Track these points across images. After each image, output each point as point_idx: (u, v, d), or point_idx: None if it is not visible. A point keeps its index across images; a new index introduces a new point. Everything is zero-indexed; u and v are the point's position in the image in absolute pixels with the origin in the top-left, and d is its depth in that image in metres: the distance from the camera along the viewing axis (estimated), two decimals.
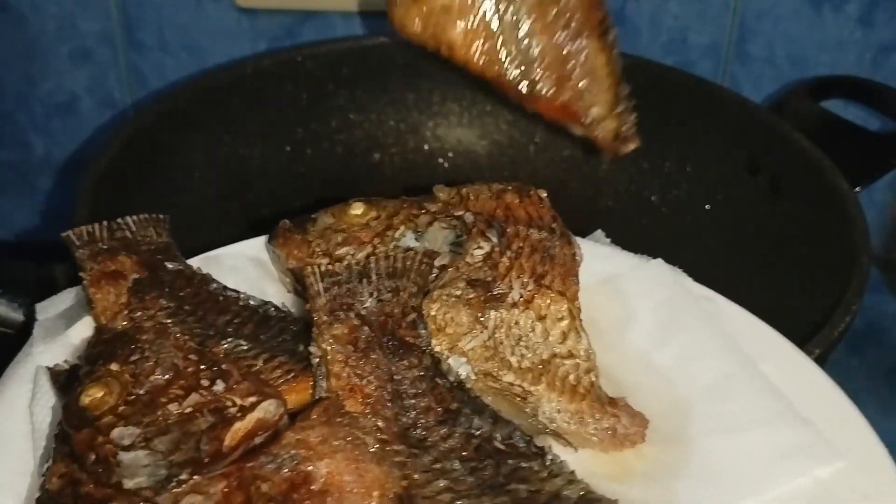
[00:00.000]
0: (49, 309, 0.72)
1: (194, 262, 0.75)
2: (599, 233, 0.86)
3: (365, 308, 0.65)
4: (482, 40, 0.90)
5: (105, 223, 0.75)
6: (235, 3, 1.15)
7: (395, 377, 0.63)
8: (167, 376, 0.58)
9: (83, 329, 0.69)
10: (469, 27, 0.90)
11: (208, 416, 0.56)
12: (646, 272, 0.75)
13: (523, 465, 0.60)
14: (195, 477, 0.52)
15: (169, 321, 0.67)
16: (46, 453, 0.59)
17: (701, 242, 1.04)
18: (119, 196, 0.91)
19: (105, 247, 0.73)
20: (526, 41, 0.89)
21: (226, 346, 0.66)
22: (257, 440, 0.55)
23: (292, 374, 0.64)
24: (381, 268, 0.67)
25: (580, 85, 0.90)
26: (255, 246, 0.77)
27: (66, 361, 0.66)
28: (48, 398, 0.64)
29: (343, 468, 0.53)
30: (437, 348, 0.65)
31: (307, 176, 1.11)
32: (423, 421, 0.62)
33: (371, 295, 0.66)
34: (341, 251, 0.71)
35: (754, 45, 1.18)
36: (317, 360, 0.63)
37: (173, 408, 0.56)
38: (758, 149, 1.03)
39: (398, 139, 1.14)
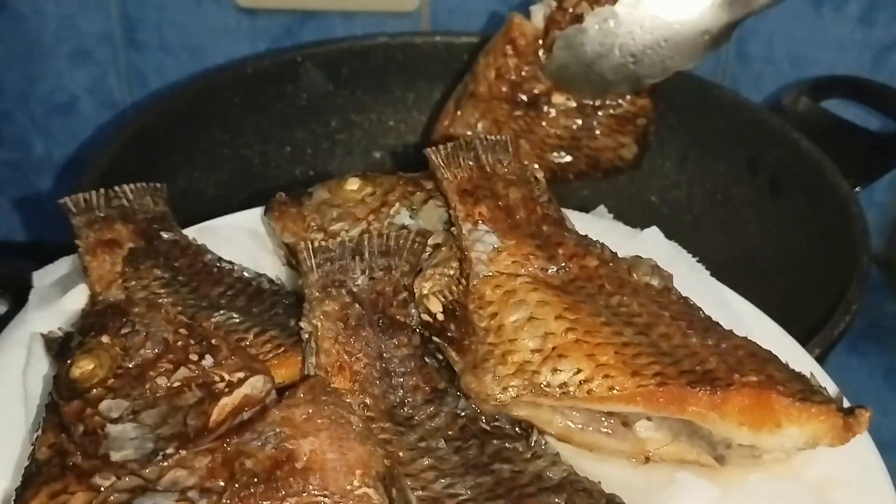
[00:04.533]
0: (45, 276, 0.72)
1: (191, 231, 0.76)
2: (602, 208, 0.88)
3: (357, 285, 0.65)
4: None
5: (102, 191, 0.75)
6: (235, 3, 1.15)
7: (384, 355, 0.64)
8: (157, 350, 0.58)
9: (78, 297, 0.70)
10: None
11: (196, 390, 0.56)
12: (646, 243, 0.76)
13: (507, 445, 0.61)
14: (181, 451, 0.53)
15: (163, 291, 0.69)
16: (38, 420, 0.60)
17: (701, 242, 1.04)
18: None
19: (102, 215, 0.74)
20: None
21: (217, 318, 0.66)
22: (244, 416, 0.55)
23: (282, 349, 0.65)
24: (375, 246, 0.67)
25: None
26: (252, 217, 0.77)
27: (60, 329, 0.67)
28: (42, 365, 0.65)
29: (327, 446, 0.53)
30: None
31: (307, 176, 1.11)
32: (410, 399, 0.62)
33: (363, 272, 0.66)
34: (336, 227, 0.72)
35: (754, 45, 1.18)
36: (307, 335, 0.64)
37: (162, 381, 0.56)
38: (758, 149, 1.03)
39: (398, 139, 1.14)
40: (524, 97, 1.02)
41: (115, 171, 0.93)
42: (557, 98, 1.02)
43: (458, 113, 1.02)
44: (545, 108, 1.02)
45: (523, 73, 1.01)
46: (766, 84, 1.20)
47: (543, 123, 1.02)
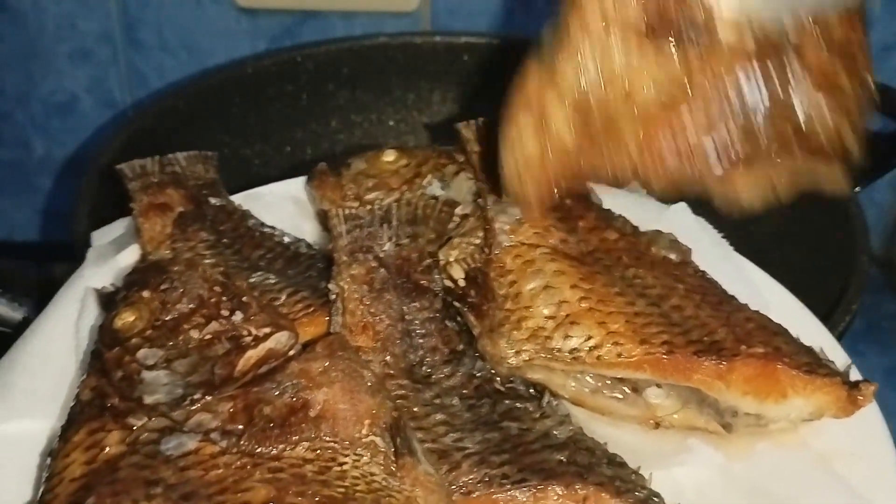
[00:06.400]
0: (102, 237, 0.77)
1: (238, 198, 0.80)
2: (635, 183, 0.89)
3: (384, 251, 0.69)
4: None
5: (157, 158, 0.81)
6: (235, 3, 1.16)
7: (406, 317, 0.67)
8: (192, 305, 0.62)
9: (131, 255, 0.74)
10: None
11: (225, 342, 0.60)
12: (673, 218, 0.78)
13: (518, 405, 0.63)
14: (207, 397, 0.57)
15: (207, 253, 0.73)
16: (85, 367, 0.64)
17: None
18: (119, 196, 0.92)
19: (156, 180, 0.79)
20: None
21: (255, 278, 0.70)
22: (265, 368, 0.59)
23: (312, 308, 0.68)
24: (403, 214, 0.72)
25: None
26: (296, 185, 0.81)
27: (112, 285, 0.71)
28: (93, 317, 0.69)
29: (339, 397, 0.57)
30: None
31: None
32: (429, 359, 0.66)
33: (390, 239, 0.70)
34: (371, 196, 0.75)
35: None
36: (334, 296, 0.67)
37: (194, 334, 0.61)
38: None
39: (398, 139, 1.14)
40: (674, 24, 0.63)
41: (115, 171, 0.93)
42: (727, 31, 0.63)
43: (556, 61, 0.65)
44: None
45: None
46: None
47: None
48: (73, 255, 0.79)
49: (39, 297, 0.81)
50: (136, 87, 1.22)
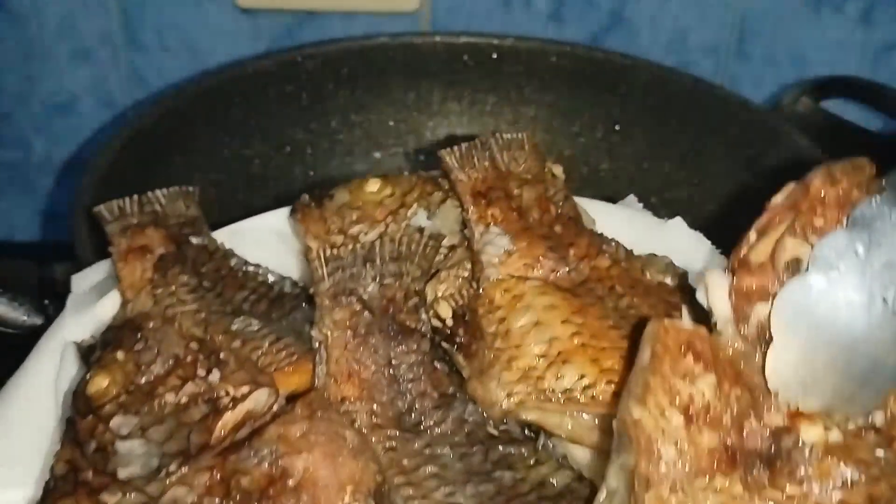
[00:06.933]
0: (82, 282, 0.75)
1: (222, 233, 0.78)
2: (632, 198, 0.88)
3: (367, 292, 0.67)
4: None
5: (136, 197, 0.78)
6: (235, 3, 1.15)
7: (393, 361, 0.65)
8: (167, 366, 0.61)
9: (112, 303, 0.72)
10: None
11: (202, 405, 0.59)
12: (670, 233, 0.77)
13: (512, 451, 0.62)
14: (182, 469, 0.55)
15: (188, 297, 0.70)
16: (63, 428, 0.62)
17: None
18: (119, 196, 0.91)
19: (135, 221, 0.77)
20: None
21: (237, 325, 0.68)
22: (243, 432, 0.57)
23: (295, 356, 0.66)
24: (386, 252, 0.69)
25: None
26: (280, 218, 0.78)
27: (92, 336, 0.69)
28: (73, 372, 0.67)
29: (319, 463, 0.55)
30: None
31: (307, 176, 1.11)
32: (418, 405, 0.64)
33: (374, 279, 0.68)
34: (355, 229, 0.73)
35: (754, 45, 1.17)
36: (318, 344, 0.65)
37: (170, 398, 0.59)
38: (758, 149, 1.03)
39: (398, 139, 1.14)
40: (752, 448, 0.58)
41: (115, 171, 0.93)
42: (810, 430, 0.59)
43: None
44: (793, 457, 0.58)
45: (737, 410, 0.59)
46: (766, 84, 1.19)
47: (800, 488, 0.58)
48: (73, 255, 0.79)
49: (39, 297, 0.81)
50: (136, 87, 1.21)
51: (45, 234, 1.30)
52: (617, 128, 1.07)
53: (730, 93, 1.09)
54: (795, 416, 0.59)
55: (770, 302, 0.60)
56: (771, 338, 0.59)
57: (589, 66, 1.07)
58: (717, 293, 0.61)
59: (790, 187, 0.62)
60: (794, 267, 0.61)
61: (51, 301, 0.81)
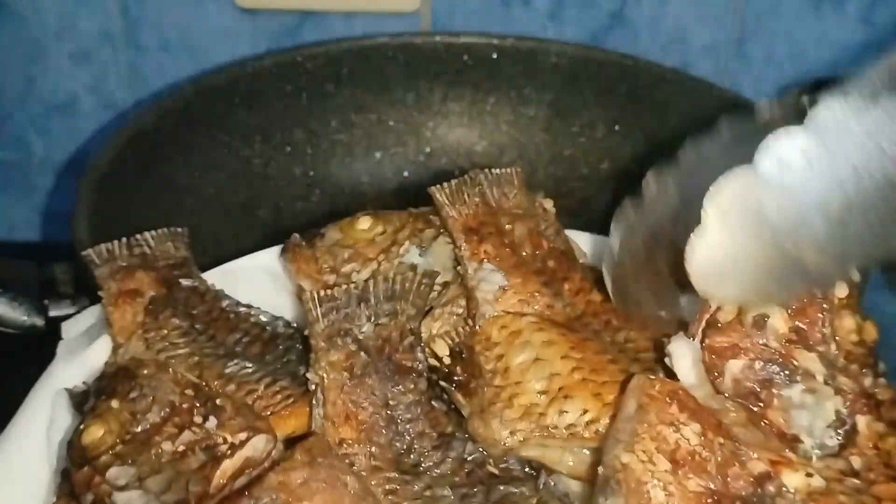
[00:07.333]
0: (73, 327, 0.74)
1: (213, 274, 0.77)
2: None
3: (363, 333, 0.66)
4: None
5: (125, 240, 0.76)
6: (235, 3, 1.15)
7: (390, 402, 0.64)
8: (163, 413, 0.60)
9: (103, 348, 0.71)
10: None
11: (200, 454, 0.58)
12: None
13: (514, 490, 0.61)
14: None
15: (181, 341, 0.69)
16: (58, 478, 0.61)
17: None
18: (119, 196, 0.92)
19: (124, 264, 0.75)
20: None
21: (231, 368, 0.67)
22: (242, 480, 0.57)
23: (291, 399, 0.66)
24: (380, 291, 0.67)
25: None
26: (271, 258, 0.78)
27: (84, 383, 0.68)
28: (66, 420, 0.66)
29: None
30: None
31: (307, 176, 1.11)
32: (417, 446, 0.63)
33: (369, 319, 0.66)
34: (347, 268, 0.72)
35: (754, 45, 1.17)
36: (314, 386, 0.64)
37: (167, 446, 0.58)
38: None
39: (398, 139, 1.14)
40: None
41: (115, 171, 0.93)
42: (792, 476, 0.60)
43: None
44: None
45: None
46: (766, 84, 1.19)
47: None
48: (73, 255, 0.79)
49: (39, 297, 0.81)
50: (136, 87, 1.21)
51: (45, 234, 1.30)
52: (617, 128, 1.07)
53: (730, 93, 1.09)
54: (777, 462, 0.61)
55: (741, 357, 0.62)
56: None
57: (589, 66, 1.07)
58: (680, 362, 0.63)
59: None
60: (761, 322, 0.62)
61: (51, 301, 0.81)
